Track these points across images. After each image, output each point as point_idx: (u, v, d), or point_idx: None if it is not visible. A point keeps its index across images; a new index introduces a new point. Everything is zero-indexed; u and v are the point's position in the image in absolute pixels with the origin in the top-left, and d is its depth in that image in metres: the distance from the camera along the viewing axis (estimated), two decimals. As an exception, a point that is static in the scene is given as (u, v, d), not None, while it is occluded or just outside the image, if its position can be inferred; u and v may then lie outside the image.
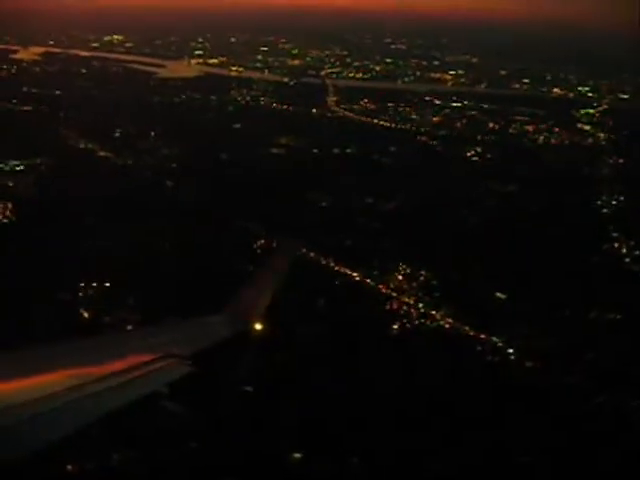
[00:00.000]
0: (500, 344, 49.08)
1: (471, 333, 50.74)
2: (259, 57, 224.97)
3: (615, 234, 72.30)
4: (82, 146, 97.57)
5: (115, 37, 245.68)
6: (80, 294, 52.16)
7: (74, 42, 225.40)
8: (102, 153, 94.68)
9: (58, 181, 79.15)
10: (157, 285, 52.97)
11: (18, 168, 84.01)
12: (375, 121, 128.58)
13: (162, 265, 56.97)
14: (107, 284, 53.34)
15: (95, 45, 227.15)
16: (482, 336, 50.19)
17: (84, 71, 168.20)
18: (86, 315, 49.61)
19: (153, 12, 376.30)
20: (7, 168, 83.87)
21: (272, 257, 14.76)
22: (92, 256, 56.41)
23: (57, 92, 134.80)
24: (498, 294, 56.34)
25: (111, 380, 8.69)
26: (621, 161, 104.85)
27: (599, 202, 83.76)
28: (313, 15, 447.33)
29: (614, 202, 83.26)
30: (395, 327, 51.18)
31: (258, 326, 12.13)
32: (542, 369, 45.70)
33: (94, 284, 53.09)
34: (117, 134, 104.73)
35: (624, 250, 68.63)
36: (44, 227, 62.63)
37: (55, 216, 66.10)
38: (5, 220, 68.04)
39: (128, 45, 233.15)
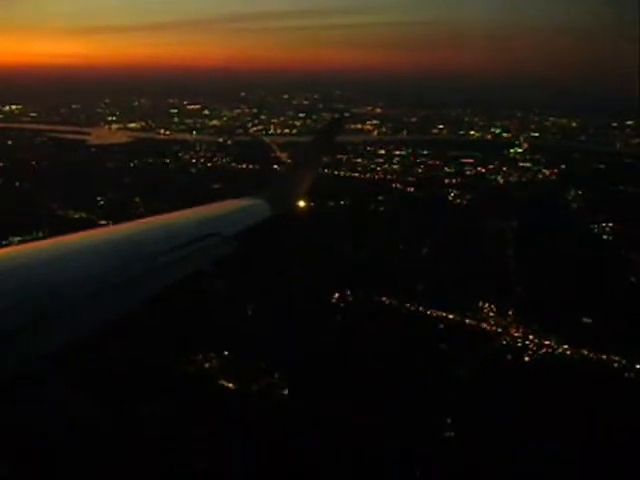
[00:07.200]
0: (624, 362, 53.04)
1: (591, 356, 54.38)
2: (175, 119, 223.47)
3: (631, 255, 79.77)
4: (76, 216, 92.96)
5: (14, 107, 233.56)
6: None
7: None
8: (103, 222, 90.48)
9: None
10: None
11: (27, 245, 78.72)
12: (342, 173, 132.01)
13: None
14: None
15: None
16: (603, 357, 53.98)
17: (10, 142, 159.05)
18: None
19: (29, 79, 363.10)
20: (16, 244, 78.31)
21: (306, 152, 16.36)
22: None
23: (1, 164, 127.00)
24: (585, 319, 60.55)
25: (157, 259, 8.86)
26: (580, 192, 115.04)
27: (595, 230, 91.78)
28: (198, 75, 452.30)
29: (607, 229, 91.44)
30: (527, 359, 53.82)
31: (301, 204, 13.43)
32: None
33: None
34: (101, 202, 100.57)
35: (646, 268, 76.02)
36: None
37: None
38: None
39: (33, 115, 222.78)
